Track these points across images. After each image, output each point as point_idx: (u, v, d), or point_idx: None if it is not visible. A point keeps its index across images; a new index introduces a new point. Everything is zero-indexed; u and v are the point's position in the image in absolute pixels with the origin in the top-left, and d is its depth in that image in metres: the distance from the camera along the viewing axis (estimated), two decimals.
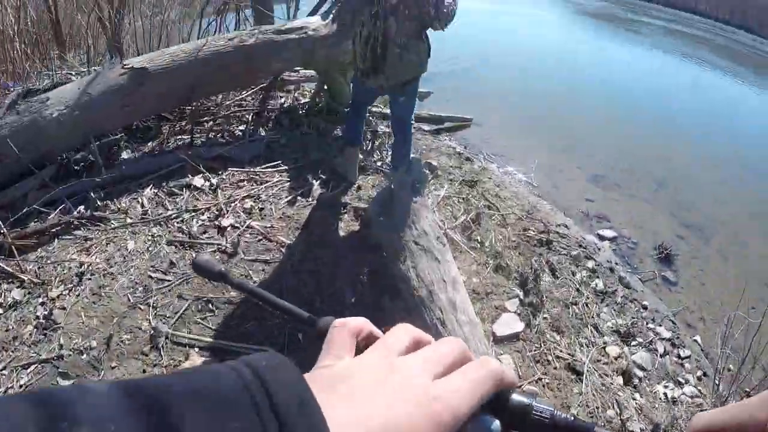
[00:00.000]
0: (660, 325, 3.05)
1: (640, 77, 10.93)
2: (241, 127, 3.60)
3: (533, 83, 7.80)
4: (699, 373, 2.89)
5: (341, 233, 2.78)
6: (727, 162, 6.35)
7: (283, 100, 4.14)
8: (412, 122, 2.99)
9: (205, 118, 3.62)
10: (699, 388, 2.74)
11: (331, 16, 3.67)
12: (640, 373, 2.63)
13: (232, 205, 2.85)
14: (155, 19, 4.31)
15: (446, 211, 3.24)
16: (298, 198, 3.02)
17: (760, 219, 4.83)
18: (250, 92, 3.91)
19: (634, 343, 2.84)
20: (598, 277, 3.11)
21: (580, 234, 3.50)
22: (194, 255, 2.47)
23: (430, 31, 2.58)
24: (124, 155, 3.11)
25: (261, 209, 2.90)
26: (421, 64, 2.62)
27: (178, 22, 4.88)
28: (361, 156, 3.37)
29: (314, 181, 3.15)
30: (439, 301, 2.04)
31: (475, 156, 4.42)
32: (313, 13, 4.04)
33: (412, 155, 3.08)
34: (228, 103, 3.79)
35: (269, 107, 3.87)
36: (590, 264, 3.19)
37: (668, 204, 4.52)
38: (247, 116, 3.68)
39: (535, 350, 2.43)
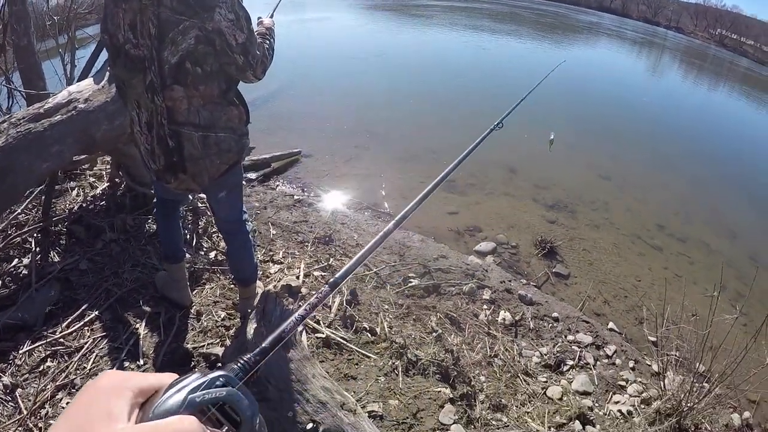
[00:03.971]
0: (578, 332, 2.78)
1: (441, 57, 11.46)
2: (26, 260, 2.39)
3: (349, 89, 7.43)
4: (631, 363, 2.75)
5: None
6: (558, 125, 6.67)
7: (75, 192, 2.94)
8: (246, 219, 1.97)
9: None
10: (639, 379, 2.59)
11: (107, 74, 2.63)
12: (588, 402, 2.25)
13: (44, 415, 1.72)
14: None
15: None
16: (126, 365, 1.96)
17: (609, 179, 5.01)
18: (26, 202, 2.66)
19: (566, 368, 2.48)
20: (500, 307, 2.67)
21: (462, 261, 3.05)
22: None
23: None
24: None
25: None
26: (238, 141, 1.67)
27: None
28: (189, 257, 2.37)
29: (138, 326, 2.11)
30: None
31: (317, 199, 3.77)
32: (83, 76, 2.92)
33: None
34: (1, 226, 2.49)
35: (56, 216, 2.66)
36: (487, 294, 2.74)
37: (526, 190, 4.39)
38: (29, 239, 2.48)
39: None
